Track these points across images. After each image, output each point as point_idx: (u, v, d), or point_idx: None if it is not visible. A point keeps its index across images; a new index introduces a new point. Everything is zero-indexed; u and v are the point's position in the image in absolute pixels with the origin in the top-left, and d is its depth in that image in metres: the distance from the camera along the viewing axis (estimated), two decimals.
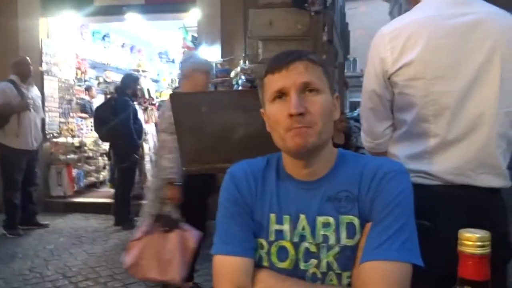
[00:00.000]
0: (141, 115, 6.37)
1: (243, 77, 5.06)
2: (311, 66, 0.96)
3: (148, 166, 6.08)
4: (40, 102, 5.09)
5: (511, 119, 1.24)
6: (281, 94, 0.97)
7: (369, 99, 1.40)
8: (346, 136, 5.42)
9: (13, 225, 4.70)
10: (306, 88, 0.95)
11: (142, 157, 5.93)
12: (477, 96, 1.22)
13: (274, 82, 0.98)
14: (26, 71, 4.72)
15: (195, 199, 2.76)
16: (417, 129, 1.31)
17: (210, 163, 1.97)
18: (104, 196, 6.29)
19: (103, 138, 5.53)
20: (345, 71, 18.92)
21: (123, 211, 5.08)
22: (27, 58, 4.83)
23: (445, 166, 1.26)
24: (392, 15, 17.27)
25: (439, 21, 1.26)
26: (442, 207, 1.24)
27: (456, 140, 1.25)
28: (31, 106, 4.69)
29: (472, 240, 0.66)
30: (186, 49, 5.86)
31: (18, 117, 4.56)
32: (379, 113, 1.39)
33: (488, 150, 1.23)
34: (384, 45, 1.31)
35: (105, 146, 7.28)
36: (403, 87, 1.29)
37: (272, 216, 1.02)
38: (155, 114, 7.19)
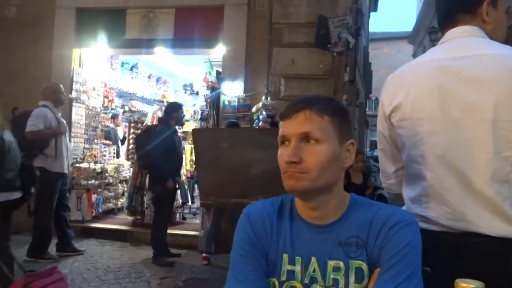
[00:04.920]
0: None
1: (264, 112, 5.16)
2: (314, 117, 1.00)
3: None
4: None
5: None
6: (284, 140, 1.03)
7: (378, 140, 1.46)
8: (365, 176, 5.38)
9: (45, 250, 4.65)
10: (306, 138, 1.00)
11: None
12: (466, 138, 1.17)
13: (281, 128, 1.05)
14: (61, 99, 4.81)
15: None
16: (411, 170, 1.31)
17: (226, 197, 2.01)
18: (121, 223, 6.34)
19: (139, 165, 5.56)
20: (367, 110, 18.96)
21: (156, 243, 4.88)
22: (61, 85, 4.91)
23: (442, 211, 1.21)
24: (416, 56, 17.38)
25: (432, 64, 1.26)
26: (442, 255, 1.17)
27: (449, 183, 1.19)
28: (66, 130, 4.80)
29: None
30: (210, 83, 6.02)
31: (56, 141, 4.61)
32: (387, 154, 1.43)
33: (484, 196, 1.15)
34: (385, 89, 1.38)
35: (125, 173, 7.43)
36: (397, 128, 1.33)
37: (285, 257, 1.06)
38: None
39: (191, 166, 6.81)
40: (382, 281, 0.94)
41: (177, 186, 5.16)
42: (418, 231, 1.00)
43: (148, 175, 5.29)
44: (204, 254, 4.88)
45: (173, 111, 5.02)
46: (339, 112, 1.05)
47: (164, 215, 4.95)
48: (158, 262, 4.76)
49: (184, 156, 6.89)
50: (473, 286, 0.68)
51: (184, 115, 5.52)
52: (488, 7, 1.29)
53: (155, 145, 4.77)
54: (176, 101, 7.07)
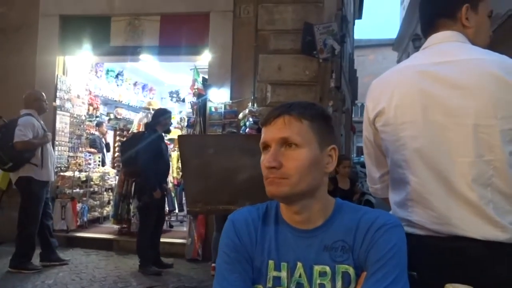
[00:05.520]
0: None
1: (251, 119, 5.16)
2: (293, 122, 1.00)
3: None
4: None
5: (496, 168, 1.14)
6: (266, 146, 1.03)
7: (364, 145, 1.46)
8: (352, 181, 5.40)
9: (28, 261, 4.54)
10: (285, 143, 1.00)
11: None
12: (448, 143, 1.18)
13: (262, 134, 1.05)
14: (43, 107, 4.74)
15: None
16: (395, 175, 1.32)
17: (213, 204, 2.00)
18: (106, 231, 6.25)
19: (125, 172, 5.49)
20: (353, 116, 19.13)
21: (142, 252, 4.78)
22: (43, 93, 4.84)
23: (428, 215, 1.21)
24: None
25: (414, 69, 1.27)
26: (428, 259, 1.17)
27: (433, 187, 1.20)
28: (51, 138, 4.75)
29: None
30: (196, 90, 6.00)
31: (41, 150, 4.56)
32: (373, 159, 1.43)
33: (468, 200, 1.15)
34: (369, 94, 1.38)
35: (111, 181, 7.34)
36: (381, 133, 1.33)
37: (271, 263, 1.05)
38: None
39: (178, 174, 6.77)
40: (369, 284, 0.94)
41: (165, 193, 5.10)
42: (403, 234, 1.00)
43: (134, 183, 5.21)
44: (213, 264, 4.78)
45: (161, 115, 4.98)
46: (319, 116, 1.04)
47: (150, 224, 4.84)
48: (144, 271, 4.68)
49: (171, 163, 6.85)
50: None
51: (171, 121, 5.46)
52: (468, 12, 1.30)
53: (141, 152, 4.71)
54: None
